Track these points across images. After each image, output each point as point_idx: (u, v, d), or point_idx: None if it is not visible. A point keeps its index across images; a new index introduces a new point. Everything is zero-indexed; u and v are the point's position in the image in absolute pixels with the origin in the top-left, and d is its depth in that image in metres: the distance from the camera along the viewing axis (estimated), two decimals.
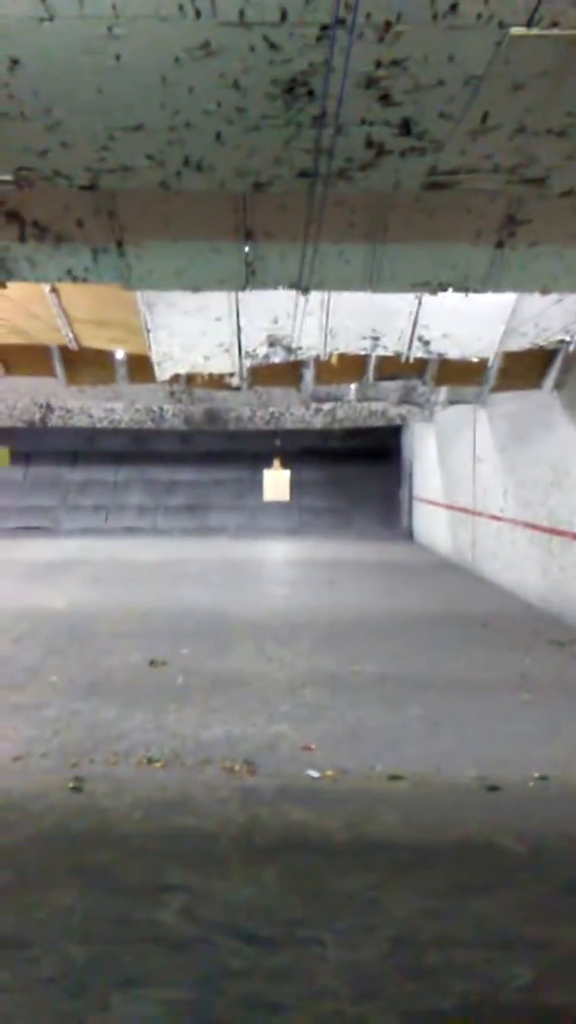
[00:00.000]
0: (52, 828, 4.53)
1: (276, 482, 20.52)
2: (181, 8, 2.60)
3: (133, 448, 21.61)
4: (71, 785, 5.08)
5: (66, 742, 5.82)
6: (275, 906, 3.77)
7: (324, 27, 2.62)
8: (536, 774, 5.34)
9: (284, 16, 2.59)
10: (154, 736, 5.96)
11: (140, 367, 9.36)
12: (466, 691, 7.25)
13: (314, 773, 5.29)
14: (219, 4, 2.55)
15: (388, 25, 2.59)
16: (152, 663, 8.02)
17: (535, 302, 7.75)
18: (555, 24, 2.65)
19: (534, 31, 2.68)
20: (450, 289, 6.02)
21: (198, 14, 2.62)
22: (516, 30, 2.66)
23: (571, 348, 8.50)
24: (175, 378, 9.26)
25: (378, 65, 2.82)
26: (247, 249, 5.55)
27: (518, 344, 8.75)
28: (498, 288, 6.06)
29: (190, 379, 9.73)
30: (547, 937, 3.54)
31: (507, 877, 4.10)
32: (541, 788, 5.17)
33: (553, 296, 7.42)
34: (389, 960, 3.35)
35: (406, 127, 3.32)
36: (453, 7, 2.54)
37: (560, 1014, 3.06)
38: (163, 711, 6.51)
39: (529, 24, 2.66)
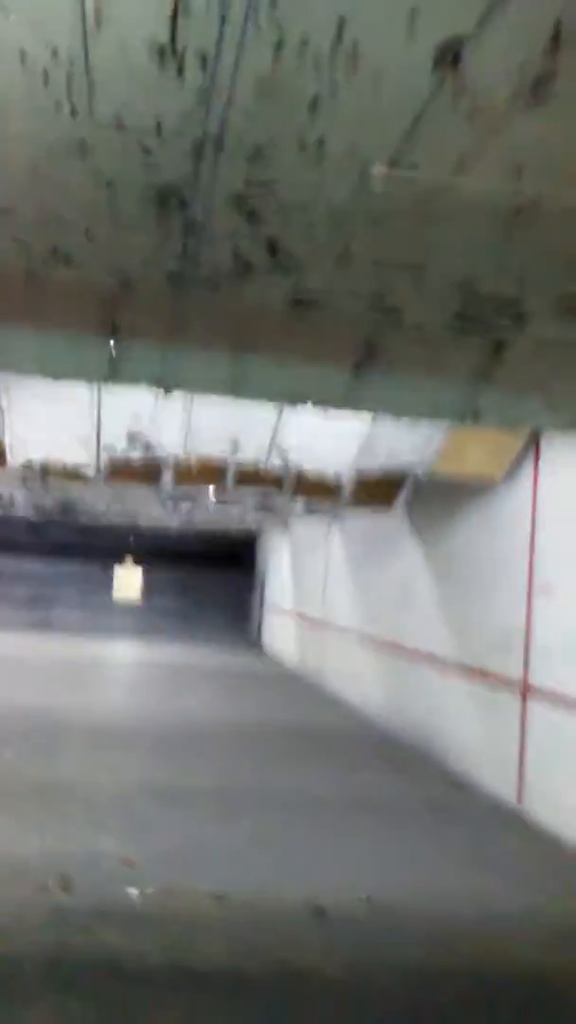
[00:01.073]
0: None
1: (127, 581, 20.16)
2: (57, 105, 2.63)
3: None
4: None
5: None
6: None
7: (197, 141, 2.71)
8: (363, 896, 5.23)
9: (159, 126, 2.66)
10: None
11: None
12: (300, 808, 7.11)
13: (134, 891, 4.98)
14: (96, 105, 2.60)
15: (258, 149, 2.71)
16: None
17: (389, 427, 8.09)
18: (413, 169, 2.85)
19: (394, 174, 2.87)
20: (309, 404, 6.20)
21: (74, 113, 2.66)
22: (378, 170, 2.83)
23: (420, 474, 8.88)
24: (28, 465, 9.02)
25: (247, 184, 2.94)
26: (112, 344, 5.55)
27: (370, 465, 9.08)
28: (355, 409, 6.29)
29: (45, 468, 9.51)
30: None
31: (328, 1008, 3.93)
32: (367, 912, 5.06)
33: (406, 422, 7.78)
34: None
35: (272, 246, 3.45)
36: (320, 141, 2.69)
37: None
38: None
39: (391, 167, 2.85)
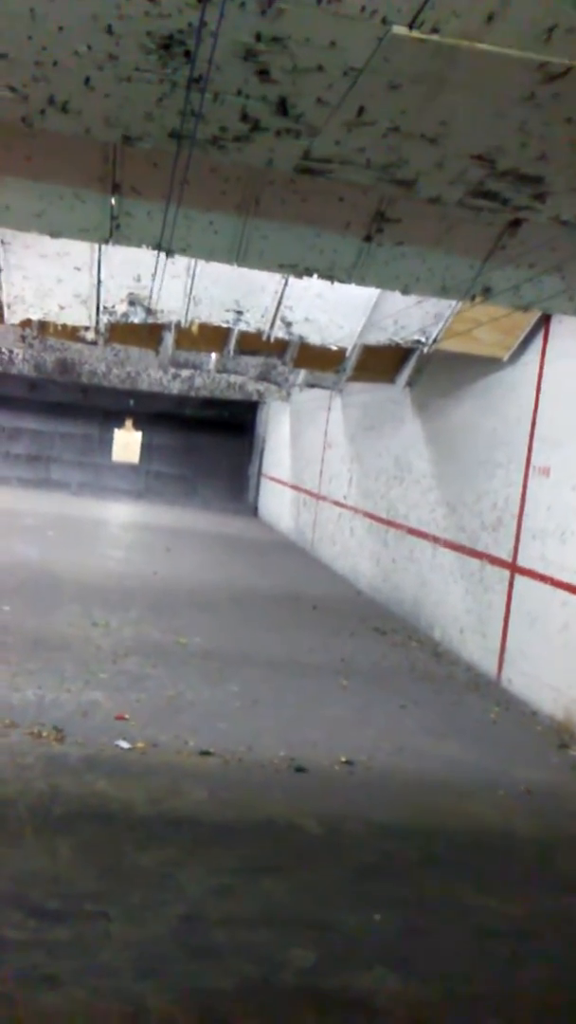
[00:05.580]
0: None
1: (126, 443, 20.15)
2: None
3: None
4: None
5: None
6: (66, 878, 3.70)
7: None
8: (343, 758, 5.50)
9: None
10: None
11: None
12: (287, 672, 7.38)
13: (124, 744, 5.23)
14: None
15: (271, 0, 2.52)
16: None
17: (397, 300, 7.90)
18: (435, 31, 2.66)
19: (415, 33, 2.68)
20: (315, 275, 6.03)
21: None
22: (397, 29, 2.65)
23: (426, 349, 8.73)
24: (27, 323, 8.85)
25: (258, 39, 2.75)
26: (113, 202, 5.34)
27: (376, 339, 8.91)
28: (362, 281, 6.13)
29: (43, 327, 9.33)
30: (331, 920, 3.65)
31: (302, 859, 4.20)
32: (346, 772, 5.33)
33: (414, 296, 7.58)
34: (174, 937, 3.35)
35: (282, 106, 3.26)
36: None
37: (334, 998, 3.16)
38: None
39: (411, 26, 2.66)
